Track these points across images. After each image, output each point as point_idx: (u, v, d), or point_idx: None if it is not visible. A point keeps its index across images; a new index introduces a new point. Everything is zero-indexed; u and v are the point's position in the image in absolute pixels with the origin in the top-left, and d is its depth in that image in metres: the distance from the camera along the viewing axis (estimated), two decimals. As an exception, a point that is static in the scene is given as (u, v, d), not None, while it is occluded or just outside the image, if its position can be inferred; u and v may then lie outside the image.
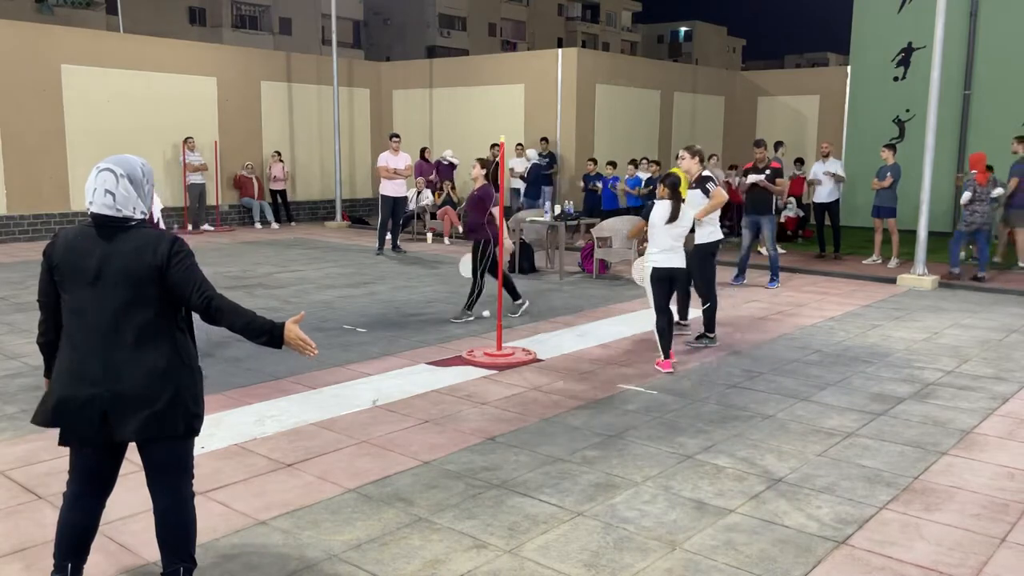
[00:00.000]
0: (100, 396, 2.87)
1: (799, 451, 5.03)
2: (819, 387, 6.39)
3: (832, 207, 13.46)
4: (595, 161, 15.58)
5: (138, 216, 2.94)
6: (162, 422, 2.91)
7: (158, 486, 3.05)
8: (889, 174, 12.31)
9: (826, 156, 13.58)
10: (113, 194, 2.89)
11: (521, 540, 3.84)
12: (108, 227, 2.91)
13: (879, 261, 12.78)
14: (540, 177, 16.41)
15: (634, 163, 15.31)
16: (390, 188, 13.44)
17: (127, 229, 2.92)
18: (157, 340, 2.92)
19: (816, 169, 13.60)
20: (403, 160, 13.53)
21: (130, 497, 4.06)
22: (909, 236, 12.52)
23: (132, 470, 3.16)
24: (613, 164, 15.43)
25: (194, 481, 3.18)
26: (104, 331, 2.88)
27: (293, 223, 18.23)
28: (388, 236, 13.85)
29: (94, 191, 2.90)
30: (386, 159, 13.50)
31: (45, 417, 2.94)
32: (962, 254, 12.24)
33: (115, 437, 2.91)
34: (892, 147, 12.60)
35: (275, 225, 17.82)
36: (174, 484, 3.06)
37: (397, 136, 14.07)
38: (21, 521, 3.98)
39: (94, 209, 2.90)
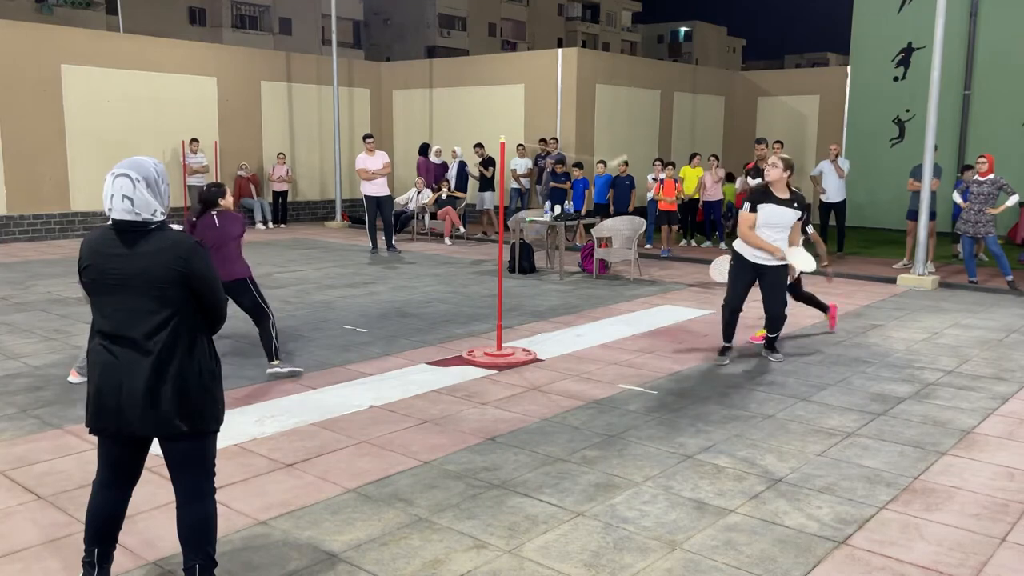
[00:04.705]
0: (120, 392, 2.96)
1: (799, 451, 5.03)
2: (819, 387, 6.39)
3: (839, 207, 13.53)
4: (580, 165, 15.54)
5: (158, 218, 2.98)
6: (175, 421, 2.99)
7: (177, 482, 3.14)
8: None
9: (835, 157, 13.62)
10: (131, 199, 2.92)
11: (521, 540, 3.84)
12: (129, 232, 2.95)
13: (909, 265, 11.94)
14: (560, 180, 15.92)
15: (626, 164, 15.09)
16: (370, 188, 13.52)
17: (148, 232, 2.96)
18: (175, 341, 2.98)
19: (824, 168, 13.62)
20: (379, 160, 13.53)
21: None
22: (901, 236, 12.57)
23: (160, 463, 3.23)
24: (579, 165, 15.42)
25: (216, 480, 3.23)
26: (125, 331, 2.96)
27: (282, 225, 18.13)
28: (383, 236, 13.93)
29: (112, 197, 2.93)
30: (362, 161, 13.52)
31: (86, 416, 3.08)
32: (979, 255, 12.07)
33: (136, 432, 3.00)
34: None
35: (269, 226, 17.76)
36: (192, 481, 3.12)
37: (371, 137, 14.01)
38: (21, 521, 3.98)
39: (114, 215, 2.94)
